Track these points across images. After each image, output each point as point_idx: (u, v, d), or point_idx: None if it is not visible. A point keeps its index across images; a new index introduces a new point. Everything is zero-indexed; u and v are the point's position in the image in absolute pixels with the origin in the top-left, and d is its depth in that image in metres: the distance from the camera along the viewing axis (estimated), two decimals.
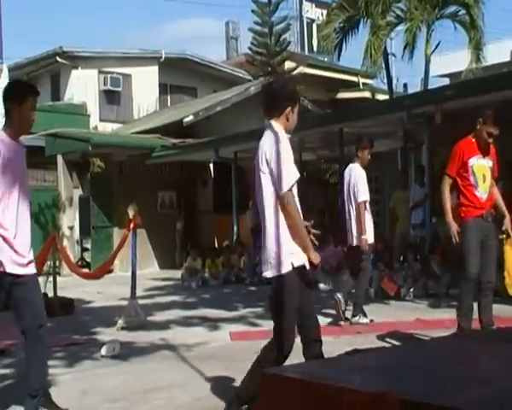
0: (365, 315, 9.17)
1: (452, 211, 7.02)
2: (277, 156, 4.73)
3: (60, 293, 11.24)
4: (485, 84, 12.15)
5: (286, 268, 4.68)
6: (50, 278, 11.27)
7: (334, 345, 7.52)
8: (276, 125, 4.92)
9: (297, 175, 4.76)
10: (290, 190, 4.68)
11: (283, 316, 4.76)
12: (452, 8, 20.19)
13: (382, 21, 19.99)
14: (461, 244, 6.91)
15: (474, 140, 7.06)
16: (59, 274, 12.14)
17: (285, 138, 4.84)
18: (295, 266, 4.68)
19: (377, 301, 11.25)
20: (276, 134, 4.84)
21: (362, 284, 9.32)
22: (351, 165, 9.32)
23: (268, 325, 9.34)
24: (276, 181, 4.69)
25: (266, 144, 4.84)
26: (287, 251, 4.68)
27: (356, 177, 9.06)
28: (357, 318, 9.06)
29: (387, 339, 7.81)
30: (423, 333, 8.05)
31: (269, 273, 4.75)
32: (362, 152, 9.14)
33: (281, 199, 4.67)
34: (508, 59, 28.25)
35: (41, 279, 11.76)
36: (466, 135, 7.18)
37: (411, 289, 11.58)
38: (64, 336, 9.13)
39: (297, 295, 4.73)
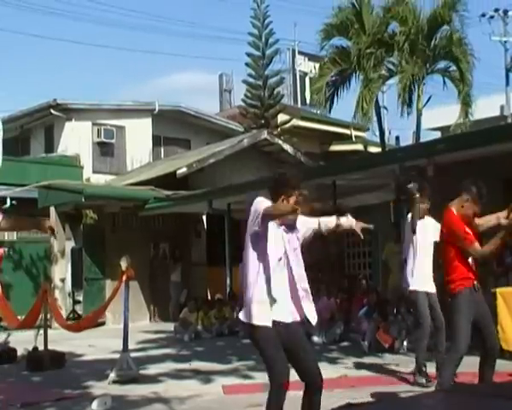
0: (422, 374, 8.60)
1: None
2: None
3: (51, 346, 11.13)
4: (476, 138, 12.27)
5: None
6: (41, 331, 11.20)
7: (327, 399, 7.44)
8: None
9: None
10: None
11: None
12: (443, 64, 20.49)
13: (374, 75, 20.25)
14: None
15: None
16: (50, 327, 12.02)
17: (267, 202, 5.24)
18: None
19: (371, 354, 11.19)
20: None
21: (418, 339, 8.94)
22: None
23: (261, 378, 9.30)
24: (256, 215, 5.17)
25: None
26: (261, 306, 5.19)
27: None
28: (417, 376, 8.58)
29: (382, 393, 7.75)
30: (417, 387, 8.01)
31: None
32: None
33: (263, 214, 5.12)
34: (498, 113, 28.65)
35: (32, 333, 11.80)
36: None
37: (405, 342, 11.52)
38: (55, 390, 9.05)
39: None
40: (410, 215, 8.95)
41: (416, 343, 8.94)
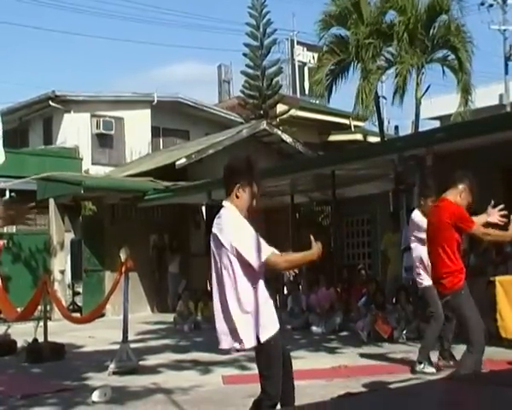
0: (431, 364, 8.50)
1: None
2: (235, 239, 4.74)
3: (51, 338, 11.14)
4: (475, 127, 12.26)
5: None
6: (41, 323, 11.20)
7: (326, 388, 7.49)
8: (226, 205, 4.91)
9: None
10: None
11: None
12: (441, 53, 20.45)
13: (373, 65, 20.22)
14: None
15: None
16: (50, 319, 12.03)
17: (232, 218, 4.82)
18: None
19: (370, 344, 11.20)
20: (219, 216, 4.89)
21: (431, 331, 8.72)
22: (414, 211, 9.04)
23: None
24: (248, 258, 4.69)
25: (215, 228, 4.86)
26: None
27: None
28: (421, 366, 8.44)
29: (380, 382, 7.76)
30: (417, 376, 8.02)
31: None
32: (424, 200, 8.71)
33: (269, 264, 4.72)
34: (496, 102, 28.59)
35: (31, 324, 11.79)
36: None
37: (404, 332, 11.54)
38: (55, 381, 9.06)
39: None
40: (416, 212, 8.90)
41: (427, 335, 8.83)
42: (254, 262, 4.68)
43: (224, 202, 4.93)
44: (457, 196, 6.71)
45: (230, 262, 4.73)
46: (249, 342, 4.78)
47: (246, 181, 4.89)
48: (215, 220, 4.91)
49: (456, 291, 6.58)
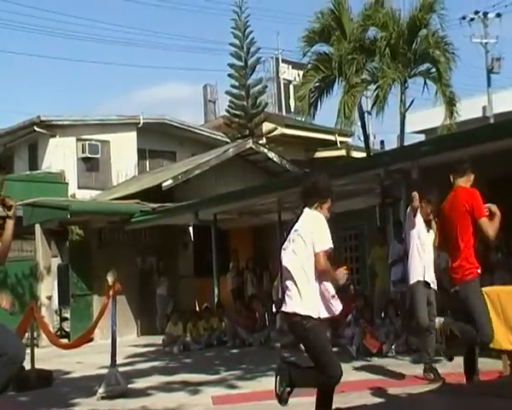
0: (434, 372, 8.54)
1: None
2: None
3: (38, 365, 10.99)
4: (459, 140, 12.27)
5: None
6: (28, 350, 11.06)
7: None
8: (307, 211, 5.93)
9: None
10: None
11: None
12: (424, 67, 20.53)
13: (356, 80, 20.28)
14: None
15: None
16: (37, 346, 11.89)
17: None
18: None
19: (360, 359, 11.14)
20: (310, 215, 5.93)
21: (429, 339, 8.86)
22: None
23: (250, 388, 9.26)
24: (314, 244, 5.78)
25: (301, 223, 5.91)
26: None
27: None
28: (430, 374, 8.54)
29: (370, 397, 7.70)
30: (406, 390, 7.97)
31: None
32: (426, 204, 8.99)
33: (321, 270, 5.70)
34: (480, 115, 28.81)
35: None
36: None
37: (393, 346, 11.49)
38: (43, 409, 8.94)
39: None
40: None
41: (424, 341, 8.89)
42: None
43: (307, 210, 5.95)
44: (468, 184, 7.14)
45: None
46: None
47: (325, 199, 5.95)
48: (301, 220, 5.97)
49: (467, 282, 6.83)
